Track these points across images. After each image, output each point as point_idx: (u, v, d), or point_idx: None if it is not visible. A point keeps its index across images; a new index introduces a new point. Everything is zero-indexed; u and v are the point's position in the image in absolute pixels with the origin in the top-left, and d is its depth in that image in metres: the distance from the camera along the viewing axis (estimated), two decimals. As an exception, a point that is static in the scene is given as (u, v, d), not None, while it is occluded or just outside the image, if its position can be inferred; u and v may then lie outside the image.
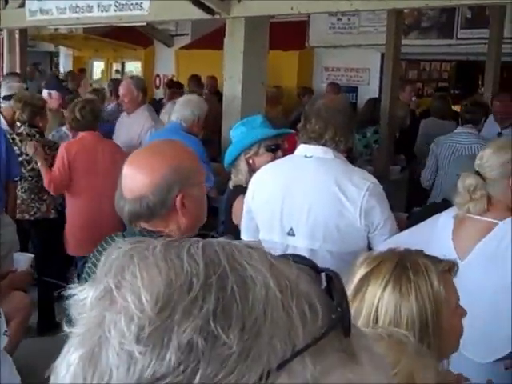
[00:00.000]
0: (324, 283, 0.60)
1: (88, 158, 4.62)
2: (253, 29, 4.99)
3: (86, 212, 4.62)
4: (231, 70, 5.03)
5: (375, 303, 1.47)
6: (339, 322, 0.58)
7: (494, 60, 6.34)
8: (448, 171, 4.72)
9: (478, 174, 2.48)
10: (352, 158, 6.16)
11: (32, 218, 5.01)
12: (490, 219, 2.46)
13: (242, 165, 3.32)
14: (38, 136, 5.03)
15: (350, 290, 1.51)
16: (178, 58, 11.72)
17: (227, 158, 3.42)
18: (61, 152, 4.62)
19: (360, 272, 1.52)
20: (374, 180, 2.70)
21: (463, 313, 1.60)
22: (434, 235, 2.53)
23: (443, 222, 2.57)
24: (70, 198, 4.75)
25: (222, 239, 0.61)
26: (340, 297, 0.59)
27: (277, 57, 8.36)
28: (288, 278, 0.57)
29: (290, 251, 2.67)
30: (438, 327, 1.48)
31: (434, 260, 1.56)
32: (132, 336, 0.51)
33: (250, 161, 3.30)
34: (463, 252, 2.48)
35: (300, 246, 2.68)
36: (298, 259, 0.63)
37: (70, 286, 0.57)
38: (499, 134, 5.68)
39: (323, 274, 0.61)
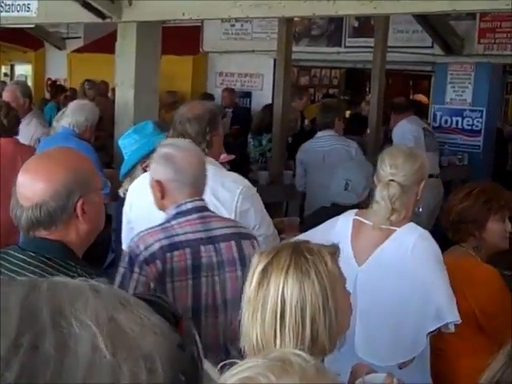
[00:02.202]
0: (180, 338, 0.54)
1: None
2: (145, 33, 4.97)
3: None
4: (123, 76, 4.98)
5: (281, 287, 1.58)
6: None
7: (379, 68, 6.59)
8: (336, 176, 4.88)
9: (392, 182, 2.52)
10: (247, 163, 6.26)
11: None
12: (388, 226, 2.52)
13: (139, 173, 3.27)
14: None
15: (251, 284, 1.62)
16: (71, 62, 11.44)
17: (124, 168, 3.37)
18: None
19: (259, 266, 1.62)
20: (247, 183, 2.73)
21: (349, 295, 1.74)
22: (332, 239, 2.59)
23: (340, 226, 2.63)
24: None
25: (57, 281, 0.52)
26: (192, 355, 0.54)
27: (171, 62, 8.34)
28: (128, 336, 0.50)
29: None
30: (336, 303, 1.61)
31: (322, 244, 1.71)
32: None
33: (147, 169, 3.28)
34: (362, 258, 2.55)
35: None
36: (161, 304, 0.57)
37: None
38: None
39: (183, 323, 0.56)
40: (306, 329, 1.57)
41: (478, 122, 7.69)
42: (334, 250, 1.71)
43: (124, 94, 4.97)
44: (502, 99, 9.07)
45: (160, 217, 2.69)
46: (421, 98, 8.22)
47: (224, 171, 2.80)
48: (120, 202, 3.40)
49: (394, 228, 2.52)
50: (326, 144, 5.23)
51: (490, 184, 3.13)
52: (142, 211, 2.79)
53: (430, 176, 5.58)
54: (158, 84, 5.18)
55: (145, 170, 3.26)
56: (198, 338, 0.56)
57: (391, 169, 2.54)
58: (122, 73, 5.01)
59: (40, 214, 1.73)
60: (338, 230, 2.62)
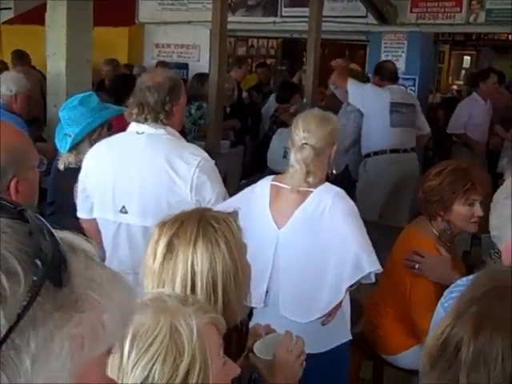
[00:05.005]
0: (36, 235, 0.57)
1: None
2: (75, 3, 4.85)
3: None
4: (54, 46, 4.86)
5: (190, 259, 1.56)
6: (44, 279, 0.54)
7: (315, 37, 6.61)
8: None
9: (306, 145, 2.58)
10: (184, 135, 6.23)
11: None
12: (305, 188, 2.59)
13: (87, 146, 3.21)
14: None
15: (155, 258, 1.58)
16: (1, 34, 11.08)
17: (73, 141, 3.28)
18: None
19: (164, 238, 1.59)
20: (205, 155, 2.71)
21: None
22: (252, 205, 2.63)
23: (259, 192, 2.68)
24: None
25: None
26: (45, 245, 0.56)
27: (106, 33, 8.20)
28: None
29: (122, 229, 2.71)
30: (243, 269, 1.64)
31: (225, 212, 1.70)
32: None
33: (93, 142, 3.24)
34: (281, 220, 2.60)
35: (132, 223, 2.69)
36: (11, 209, 0.59)
37: None
38: None
39: (32, 226, 0.58)
40: (218, 299, 1.57)
41: (410, 90, 7.84)
42: (237, 216, 1.70)
43: (56, 66, 4.86)
44: (434, 68, 9.27)
45: (120, 186, 2.70)
46: (355, 67, 8.31)
47: (183, 142, 2.79)
48: (60, 174, 3.36)
49: (311, 189, 2.59)
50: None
51: (465, 164, 2.89)
52: (97, 179, 2.78)
53: (396, 151, 5.59)
54: (91, 55, 5.09)
55: (91, 144, 3.22)
56: (47, 225, 0.58)
57: (304, 133, 2.60)
58: (53, 44, 4.89)
59: None
60: (257, 195, 2.67)
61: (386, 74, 5.87)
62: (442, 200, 2.80)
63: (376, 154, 5.61)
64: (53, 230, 0.58)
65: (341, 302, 2.57)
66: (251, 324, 2.38)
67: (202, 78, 6.62)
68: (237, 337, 1.75)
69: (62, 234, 0.62)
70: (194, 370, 1.14)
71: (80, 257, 0.60)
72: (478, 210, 2.78)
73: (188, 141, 5.97)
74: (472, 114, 6.63)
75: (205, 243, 1.57)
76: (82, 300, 0.58)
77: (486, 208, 2.74)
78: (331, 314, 2.55)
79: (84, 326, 0.57)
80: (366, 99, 5.63)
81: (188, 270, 1.56)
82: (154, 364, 1.12)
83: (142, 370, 1.12)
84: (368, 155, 5.66)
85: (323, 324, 2.56)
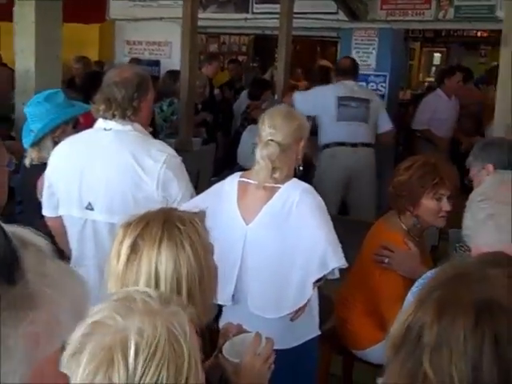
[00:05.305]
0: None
1: None
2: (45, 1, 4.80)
3: None
4: (22, 43, 4.80)
5: (154, 261, 1.54)
6: None
7: (286, 34, 6.65)
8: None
9: (271, 141, 2.59)
10: (155, 132, 6.21)
11: None
12: (272, 184, 2.60)
13: (49, 143, 3.21)
14: None
15: (119, 259, 1.56)
16: (-31, 31, 10.91)
17: (35, 137, 3.25)
18: None
19: (128, 239, 1.57)
20: (172, 152, 2.71)
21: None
22: (221, 202, 2.64)
23: (227, 189, 2.68)
24: None
25: None
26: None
27: (77, 30, 8.12)
28: None
29: (88, 226, 2.69)
30: (208, 271, 1.62)
31: (191, 212, 1.68)
32: None
33: (56, 139, 3.22)
34: (249, 216, 2.61)
35: (99, 220, 2.68)
36: None
37: None
38: None
39: None
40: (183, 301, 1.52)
41: (381, 86, 7.89)
42: (203, 217, 1.67)
43: (24, 62, 4.80)
44: (405, 64, 9.33)
45: (86, 182, 2.68)
46: (326, 63, 8.36)
47: (150, 139, 2.79)
48: (30, 171, 3.33)
49: (279, 185, 2.59)
50: None
51: (434, 159, 2.92)
52: (63, 175, 2.76)
53: (342, 144, 5.55)
54: (61, 52, 5.03)
55: (55, 141, 3.20)
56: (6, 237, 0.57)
57: (270, 129, 2.61)
58: (22, 40, 4.83)
59: None
60: (226, 192, 2.67)
61: (340, 70, 5.87)
62: (411, 194, 2.83)
63: (323, 147, 5.64)
64: (3, 225, 0.57)
65: None
66: (221, 322, 2.39)
67: (174, 74, 6.61)
68: (209, 336, 1.75)
69: (12, 229, 0.61)
70: (192, 370, 1.13)
71: (32, 252, 0.59)
72: (445, 205, 2.82)
73: (160, 138, 5.99)
74: (437, 110, 6.68)
75: (170, 245, 1.55)
76: (36, 296, 0.57)
77: (454, 203, 2.83)
78: (299, 310, 2.56)
79: (39, 322, 0.56)
80: (311, 100, 5.63)
81: (152, 271, 1.54)
82: (160, 371, 1.10)
83: (151, 379, 1.09)
84: (319, 149, 5.69)
85: (292, 320, 2.57)
